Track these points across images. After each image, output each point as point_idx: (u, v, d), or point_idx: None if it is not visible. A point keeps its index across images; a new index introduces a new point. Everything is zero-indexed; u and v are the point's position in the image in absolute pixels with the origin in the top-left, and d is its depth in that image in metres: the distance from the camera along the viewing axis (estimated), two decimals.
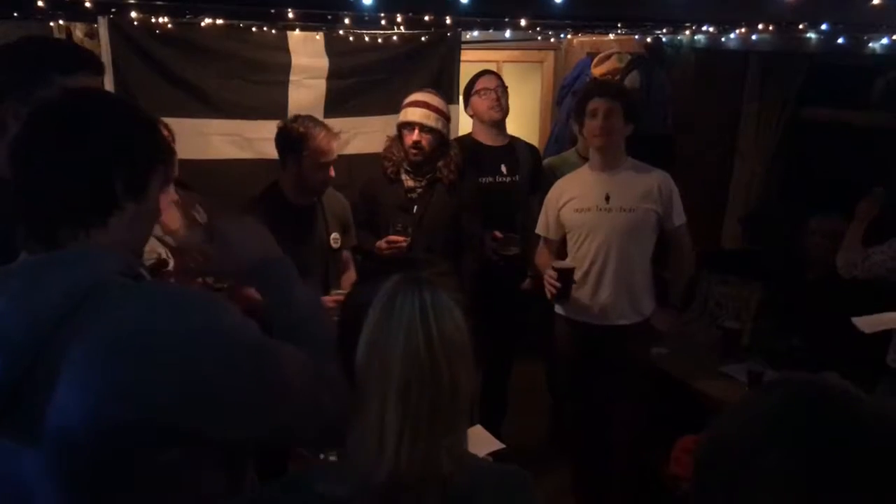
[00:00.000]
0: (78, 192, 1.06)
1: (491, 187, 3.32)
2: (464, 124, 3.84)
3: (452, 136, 3.80)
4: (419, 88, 3.22)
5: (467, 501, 1.01)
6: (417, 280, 0.98)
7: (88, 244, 1.07)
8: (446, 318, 0.97)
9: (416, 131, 3.03)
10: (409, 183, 3.13)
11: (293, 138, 2.66)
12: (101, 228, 1.07)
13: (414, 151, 3.05)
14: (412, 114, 3.07)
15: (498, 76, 3.45)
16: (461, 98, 3.77)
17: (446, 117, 3.16)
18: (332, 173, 2.72)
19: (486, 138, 3.39)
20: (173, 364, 0.97)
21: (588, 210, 2.87)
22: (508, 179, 3.36)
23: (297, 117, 2.76)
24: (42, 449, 0.96)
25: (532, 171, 3.41)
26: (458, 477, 0.98)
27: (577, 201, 2.90)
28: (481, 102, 3.34)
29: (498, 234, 3.18)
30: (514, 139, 3.49)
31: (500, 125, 3.40)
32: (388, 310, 0.96)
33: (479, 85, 3.36)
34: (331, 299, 2.68)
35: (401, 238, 2.92)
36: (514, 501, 1.08)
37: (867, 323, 2.64)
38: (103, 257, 1.05)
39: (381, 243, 2.95)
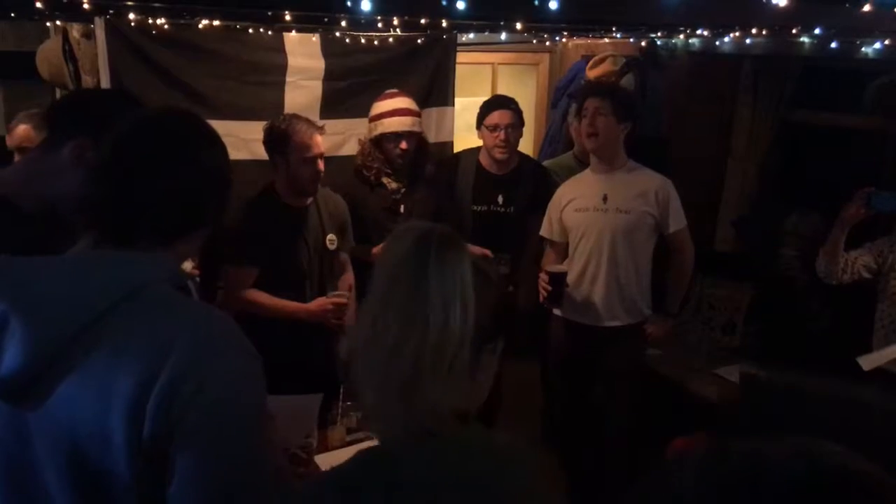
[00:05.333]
0: (176, 212, 1.10)
1: (482, 215, 3.22)
2: (458, 126, 3.86)
3: (445, 140, 3.82)
4: (384, 94, 3.21)
5: None
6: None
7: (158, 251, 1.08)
8: None
9: (403, 142, 3.06)
10: (393, 185, 3.14)
11: (277, 137, 2.64)
12: (179, 243, 1.12)
13: (401, 161, 3.09)
14: (397, 124, 3.07)
15: (513, 110, 3.15)
16: (457, 100, 3.78)
17: (420, 114, 3.19)
18: (322, 166, 2.67)
19: (490, 166, 3.23)
20: (186, 396, 0.96)
21: (586, 210, 2.89)
22: (502, 210, 3.23)
23: (281, 117, 2.74)
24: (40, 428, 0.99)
25: (533, 197, 3.22)
26: None
27: (577, 201, 2.92)
28: (489, 137, 3.13)
29: (488, 252, 3.01)
30: (523, 163, 3.29)
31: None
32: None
33: (490, 119, 3.11)
34: (329, 301, 2.68)
35: None
36: None
37: (869, 361, 2.61)
38: (159, 263, 1.07)
39: (377, 250, 2.95)
